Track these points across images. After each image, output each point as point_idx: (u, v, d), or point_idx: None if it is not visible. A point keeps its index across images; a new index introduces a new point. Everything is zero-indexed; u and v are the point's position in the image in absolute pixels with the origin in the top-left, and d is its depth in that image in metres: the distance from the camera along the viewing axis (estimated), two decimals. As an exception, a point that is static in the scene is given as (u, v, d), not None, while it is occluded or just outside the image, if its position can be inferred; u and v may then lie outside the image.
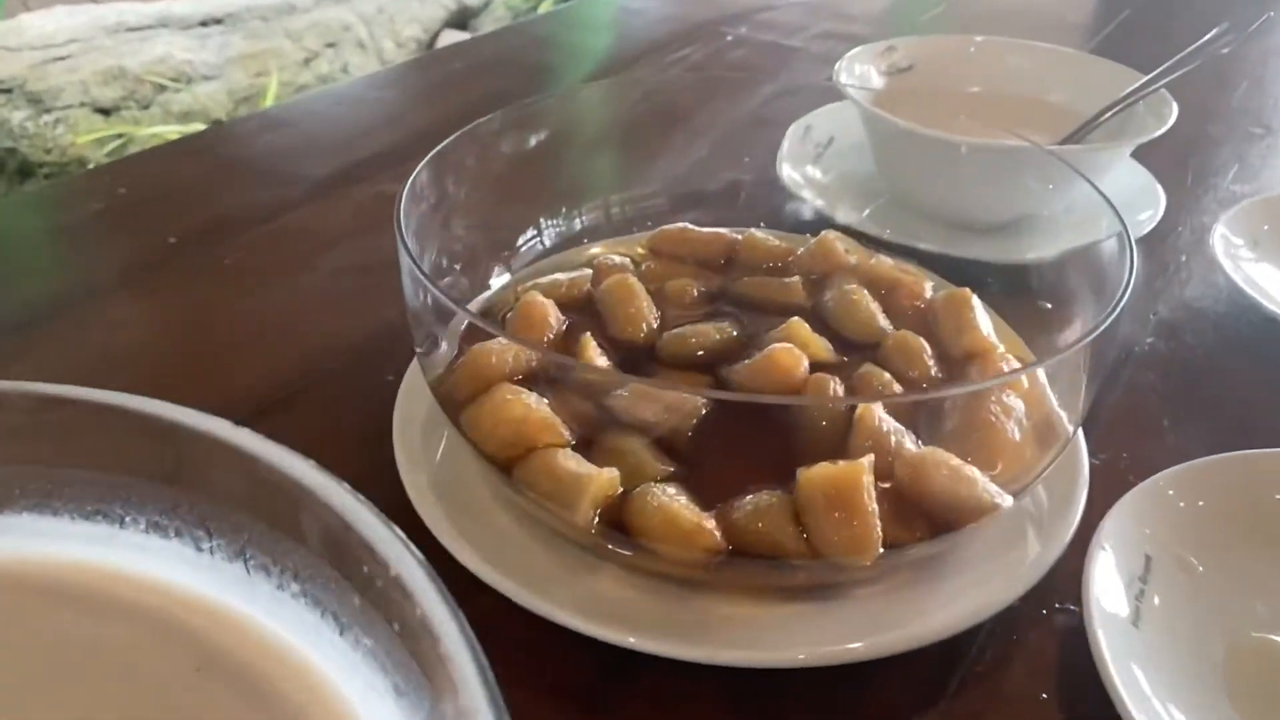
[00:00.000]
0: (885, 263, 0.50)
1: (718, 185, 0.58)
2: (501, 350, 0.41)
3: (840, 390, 0.40)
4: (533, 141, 0.50)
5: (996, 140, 0.52)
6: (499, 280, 0.50)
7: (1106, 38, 1.04)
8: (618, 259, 0.50)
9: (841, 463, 0.34)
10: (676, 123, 0.59)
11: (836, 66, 0.65)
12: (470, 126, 0.45)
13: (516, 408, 0.38)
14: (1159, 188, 0.64)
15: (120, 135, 2.25)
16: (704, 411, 0.39)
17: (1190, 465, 0.41)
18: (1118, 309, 0.35)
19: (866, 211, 0.61)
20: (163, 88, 2.33)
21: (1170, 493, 0.40)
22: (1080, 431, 0.41)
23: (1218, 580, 0.38)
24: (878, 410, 0.38)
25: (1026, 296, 0.51)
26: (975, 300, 0.46)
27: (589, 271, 0.49)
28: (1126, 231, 0.40)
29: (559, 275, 0.48)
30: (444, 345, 0.39)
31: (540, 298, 0.45)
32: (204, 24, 2.51)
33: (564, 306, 0.46)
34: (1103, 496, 0.41)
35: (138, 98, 2.32)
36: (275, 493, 0.22)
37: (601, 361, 0.42)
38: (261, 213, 0.64)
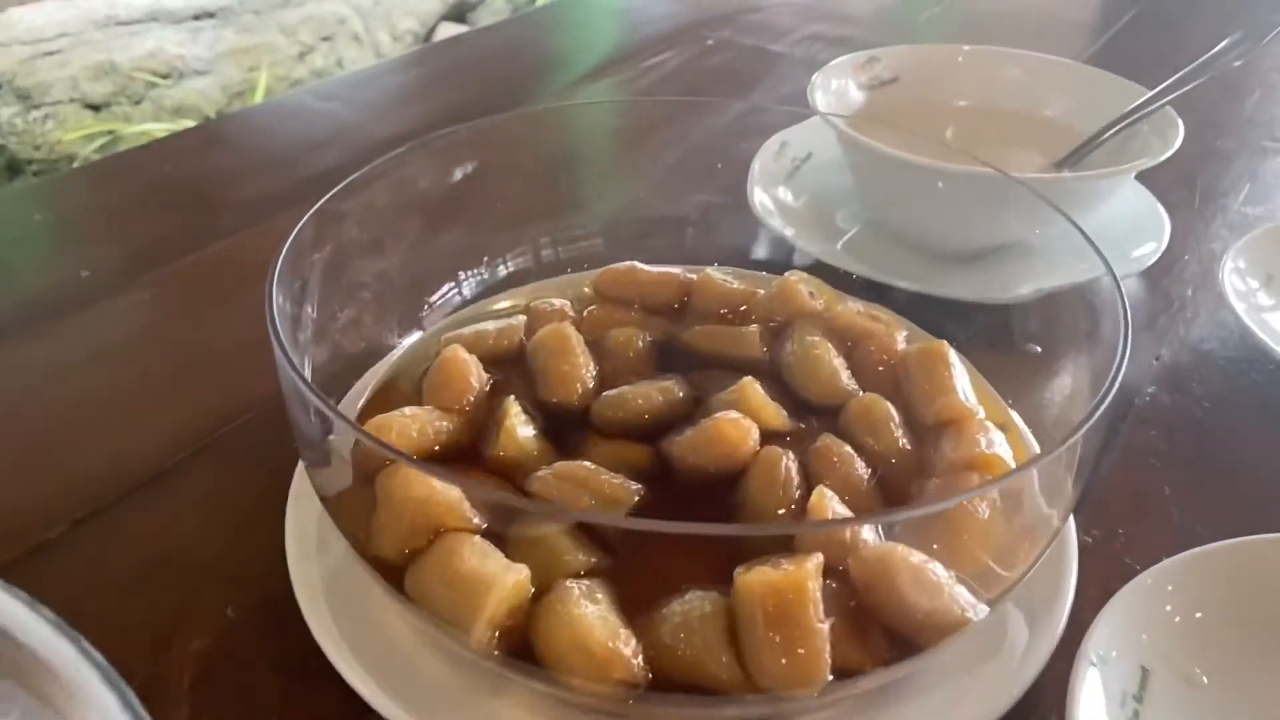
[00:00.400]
0: (854, 309, 0.44)
1: (676, 214, 0.53)
2: (404, 424, 0.36)
3: (794, 466, 0.35)
4: (457, 175, 0.45)
5: (980, 169, 0.47)
6: (415, 335, 0.45)
7: (1110, 41, 0.97)
8: (557, 303, 0.45)
9: (786, 565, 0.29)
10: (637, 143, 0.54)
11: (812, 81, 0.59)
12: (380, 160, 0.40)
13: (419, 487, 0.33)
14: (1163, 213, 0.58)
15: (110, 132, 2.21)
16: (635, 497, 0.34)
17: (1195, 554, 0.36)
18: (1113, 388, 0.30)
19: (840, 243, 0.55)
20: (154, 84, 2.30)
21: (1170, 589, 0.35)
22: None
23: (1227, 696, 0.33)
24: (832, 502, 0.33)
25: (1011, 339, 0.46)
26: (952, 356, 0.41)
27: (522, 319, 0.44)
28: (1121, 291, 0.34)
29: (488, 325, 0.43)
30: (332, 458, 0.34)
31: (461, 353, 0.40)
32: (196, 18, 2.47)
33: (491, 361, 0.41)
34: (1095, 582, 0.37)
35: (128, 93, 2.29)
36: (34, 666, 0.20)
37: (526, 430, 0.37)
38: (185, 242, 0.59)
